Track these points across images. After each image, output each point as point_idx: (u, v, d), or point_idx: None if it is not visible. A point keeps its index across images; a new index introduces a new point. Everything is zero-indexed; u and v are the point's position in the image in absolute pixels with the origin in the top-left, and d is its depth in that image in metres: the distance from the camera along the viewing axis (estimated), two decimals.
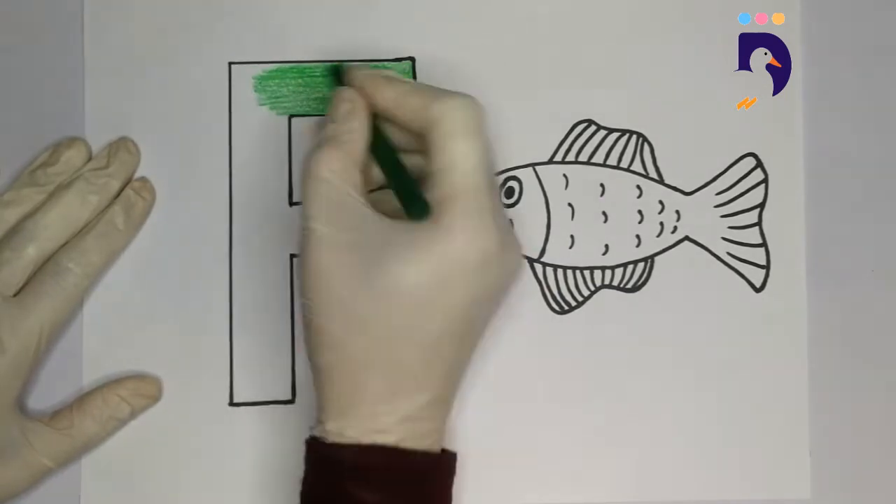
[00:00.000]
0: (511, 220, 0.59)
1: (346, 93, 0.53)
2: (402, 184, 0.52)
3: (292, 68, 0.59)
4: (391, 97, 0.52)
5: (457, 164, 0.50)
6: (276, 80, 0.59)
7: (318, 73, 0.59)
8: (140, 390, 0.57)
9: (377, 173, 0.54)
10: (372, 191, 0.53)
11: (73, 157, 0.57)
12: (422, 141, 0.52)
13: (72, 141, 0.58)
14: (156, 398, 0.58)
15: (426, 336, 0.50)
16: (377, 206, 0.52)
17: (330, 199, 0.50)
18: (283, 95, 0.59)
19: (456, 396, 0.53)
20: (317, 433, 0.51)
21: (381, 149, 0.53)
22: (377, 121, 0.53)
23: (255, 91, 0.59)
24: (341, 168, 0.51)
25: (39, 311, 0.55)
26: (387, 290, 0.49)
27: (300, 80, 0.59)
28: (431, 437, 0.51)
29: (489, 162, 0.52)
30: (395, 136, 0.54)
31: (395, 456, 0.50)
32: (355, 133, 0.52)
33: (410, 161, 0.53)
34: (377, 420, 0.50)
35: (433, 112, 0.51)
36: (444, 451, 0.53)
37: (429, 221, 0.50)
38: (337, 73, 0.55)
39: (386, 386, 0.50)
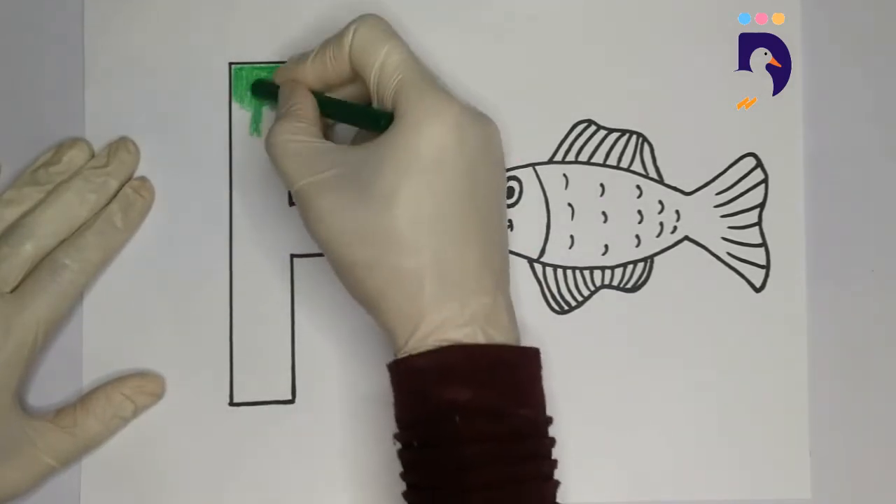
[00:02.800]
0: (511, 220, 0.59)
1: (284, 81, 0.56)
2: (357, 113, 0.55)
3: None
4: (312, 68, 0.55)
5: (385, 66, 0.52)
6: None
7: None
8: (143, 388, 0.57)
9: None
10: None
11: (75, 156, 0.58)
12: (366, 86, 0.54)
13: (74, 141, 0.58)
14: (159, 395, 0.58)
15: (448, 224, 0.51)
16: None
17: (299, 155, 0.52)
18: None
19: (509, 285, 0.54)
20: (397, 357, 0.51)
21: (326, 105, 0.55)
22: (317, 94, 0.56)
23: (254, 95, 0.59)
24: (297, 129, 0.53)
25: (36, 308, 0.55)
26: (388, 199, 0.50)
27: None
28: (504, 331, 0.52)
29: (419, 60, 0.53)
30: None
31: (474, 350, 0.50)
32: (299, 103, 0.54)
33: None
34: (446, 324, 0.50)
35: (344, 45, 0.53)
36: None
37: (391, 126, 0.52)
38: (263, 87, 0.58)
39: (439, 288, 0.50)
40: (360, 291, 0.52)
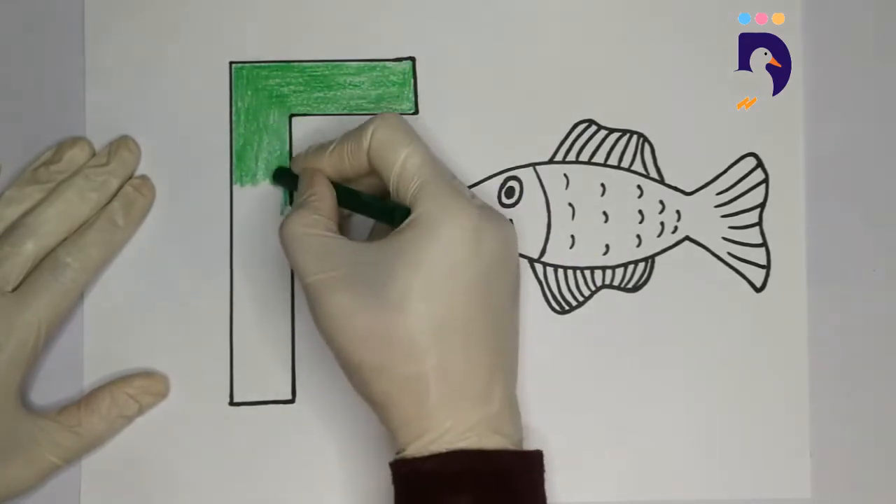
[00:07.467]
0: (511, 219, 0.59)
1: (304, 169, 0.56)
2: (374, 207, 0.54)
3: (293, 68, 0.59)
4: (329, 161, 0.54)
5: (406, 167, 0.52)
6: (278, 79, 0.59)
7: (318, 73, 0.59)
8: (148, 388, 0.57)
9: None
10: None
11: (76, 155, 0.58)
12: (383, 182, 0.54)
13: (75, 140, 0.58)
14: (163, 395, 0.58)
15: (460, 329, 0.50)
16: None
17: (312, 249, 0.52)
18: (284, 95, 0.59)
19: (516, 386, 0.53)
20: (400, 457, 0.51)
21: (345, 196, 0.55)
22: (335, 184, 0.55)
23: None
24: (313, 222, 0.53)
25: (37, 306, 0.55)
26: (400, 303, 0.50)
27: (301, 80, 0.59)
28: (509, 436, 0.51)
29: (438, 160, 0.53)
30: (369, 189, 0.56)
31: (478, 457, 0.50)
32: (317, 194, 0.54)
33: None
34: (450, 431, 0.50)
35: (363, 144, 0.53)
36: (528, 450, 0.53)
37: (406, 225, 0.51)
38: (283, 175, 0.58)
39: (446, 395, 0.50)
40: (367, 392, 0.51)
